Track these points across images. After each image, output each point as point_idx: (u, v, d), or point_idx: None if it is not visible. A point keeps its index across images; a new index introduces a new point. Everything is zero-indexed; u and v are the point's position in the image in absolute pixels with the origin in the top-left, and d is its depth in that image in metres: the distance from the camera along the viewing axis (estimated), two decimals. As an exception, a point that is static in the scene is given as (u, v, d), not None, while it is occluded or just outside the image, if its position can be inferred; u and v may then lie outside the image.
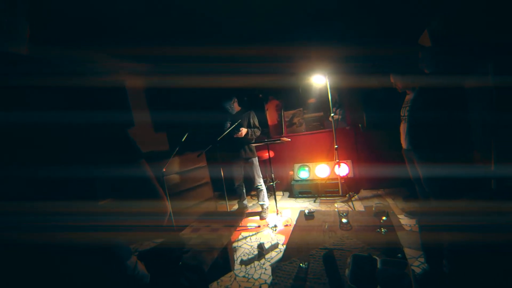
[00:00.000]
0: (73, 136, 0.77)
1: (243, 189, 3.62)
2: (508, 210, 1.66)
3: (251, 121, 3.34)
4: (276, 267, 1.54)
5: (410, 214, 2.97)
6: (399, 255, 1.49)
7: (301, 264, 1.51)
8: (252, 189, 3.74)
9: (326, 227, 1.97)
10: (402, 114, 2.68)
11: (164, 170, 2.92)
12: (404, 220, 2.89)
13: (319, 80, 3.50)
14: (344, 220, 1.94)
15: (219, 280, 2.29)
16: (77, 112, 0.80)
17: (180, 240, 2.12)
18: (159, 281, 1.52)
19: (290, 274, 1.46)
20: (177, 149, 3.03)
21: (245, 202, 3.70)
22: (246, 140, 3.30)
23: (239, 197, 3.66)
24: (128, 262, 1.15)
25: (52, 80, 0.71)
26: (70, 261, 0.84)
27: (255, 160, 3.42)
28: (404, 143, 2.69)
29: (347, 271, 1.36)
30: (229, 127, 3.16)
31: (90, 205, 0.79)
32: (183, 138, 3.06)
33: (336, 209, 2.05)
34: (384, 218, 1.75)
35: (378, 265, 1.38)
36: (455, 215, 1.77)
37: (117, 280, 1.08)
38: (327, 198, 3.87)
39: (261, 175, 3.48)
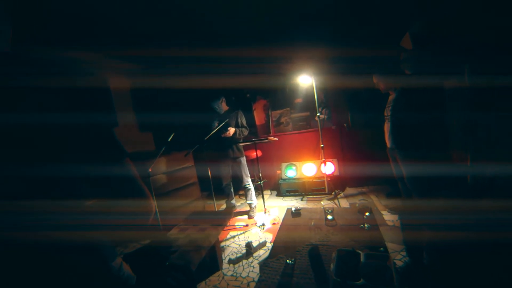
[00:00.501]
0: (58, 135, 0.76)
1: (231, 189, 3.62)
2: (483, 209, 1.76)
3: (239, 120, 3.34)
4: (264, 264, 1.57)
5: (392, 210, 3.07)
6: (381, 249, 1.55)
7: (287, 261, 1.54)
8: (240, 189, 3.75)
9: (312, 224, 2.01)
10: (385, 114, 2.77)
11: (150, 170, 2.88)
12: (387, 216, 2.98)
13: (305, 80, 3.56)
14: (329, 217, 1.99)
15: (207, 280, 2.28)
16: (61, 111, 0.79)
17: (167, 240, 2.10)
18: (146, 281, 1.50)
19: (277, 270, 1.49)
20: (163, 149, 2.99)
21: (233, 201, 3.70)
22: (234, 139, 3.31)
23: (227, 196, 3.65)
24: (113, 263, 1.13)
25: (38, 80, 0.70)
26: (54, 260, 0.82)
27: (243, 160, 3.44)
28: (388, 142, 2.79)
29: (332, 266, 1.40)
30: (217, 127, 3.15)
31: (76, 204, 0.78)
32: (169, 138, 3.03)
33: (322, 207, 2.10)
34: (367, 214, 1.82)
35: (362, 259, 1.43)
36: (435, 214, 1.86)
37: (102, 281, 1.06)
38: (314, 196, 3.94)
39: (249, 174, 3.49)
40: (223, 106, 3.37)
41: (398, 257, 2.20)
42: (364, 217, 1.84)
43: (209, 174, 3.35)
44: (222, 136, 3.20)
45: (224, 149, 3.35)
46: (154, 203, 0.90)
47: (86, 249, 0.91)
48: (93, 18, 2.37)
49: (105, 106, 3.46)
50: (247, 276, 2.26)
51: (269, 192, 4.59)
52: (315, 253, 1.37)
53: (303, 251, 1.61)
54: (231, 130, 3.18)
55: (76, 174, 0.75)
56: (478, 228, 1.64)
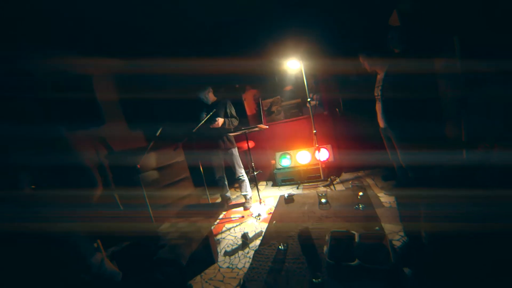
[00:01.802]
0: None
1: (224, 181, 3.54)
2: (483, 199, 1.71)
3: (228, 110, 3.25)
4: (256, 251, 1.50)
5: (389, 191, 3.03)
6: (377, 228, 1.49)
7: (280, 247, 1.48)
8: (234, 181, 3.68)
9: (306, 208, 1.95)
10: (375, 94, 2.71)
11: (138, 166, 2.78)
12: (384, 198, 2.94)
13: (294, 66, 3.46)
14: (323, 200, 1.93)
15: (202, 273, 2.22)
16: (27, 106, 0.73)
17: (156, 234, 2.03)
18: (133, 277, 1.43)
19: (269, 257, 1.43)
20: (151, 144, 2.90)
21: (228, 194, 3.63)
22: (223, 130, 3.22)
23: (221, 189, 3.58)
24: (92, 259, 1.05)
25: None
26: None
27: (235, 151, 3.35)
28: (380, 122, 2.73)
29: (325, 248, 1.33)
30: (205, 118, 3.06)
31: (15, 194, 0.70)
32: (157, 132, 2.94)
33: (315, 191, 2.04)
34: (361, 194, 1.75)
35: (356, 239, 1.37)
36: (432, 205, 1.80)
37: (78, 281, 0.98)
38: (310, 184, 3.88)
39: (241, 166, 3.42)
40: (210, 97, 3.27)
41: (396, 238, 2.16)
42: (358, 197, 1.78)
43: (200, 167, 3.26)
44: (211, 127, 3.11)
45: (214, 140, 3.26)
46: (99, 192, 0.83)
47: (53, 243, 0.83)
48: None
49: (89, 105, 3.35)
50: (243, 267, 2.20)
51: (264, 183, 4.53)
52: (304, 236, 1.30)
53: (295, 236, 1.54)
54: (220, 121, 3.09)
55: (11, 162, 0.68)
56: (478, 219, 1.59)
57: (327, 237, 1.40)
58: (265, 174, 4.62)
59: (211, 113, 3.06)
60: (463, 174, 2.00)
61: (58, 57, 2.84)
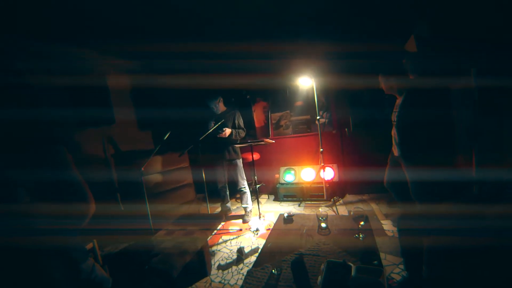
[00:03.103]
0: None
1: (226, 191, 3.52)
2: (487, 214, 1.64)
3: (236, 121, 3.26)
4: (248, 272, 1.46)
5: (394, 220, 2.94)
6: (375, 262, 1.43)
7: (273, 271, 1.44)
8: (236, 192, 3.66)
9: (304, 231, 1.90)
10: (393, 119, 2.66)
11: (142, 169, 2.81)
12: (387, 225, 2.85)
13: (306, 82, 3.46)
14: (323, 225, 1.87)
15: (193, 286, 2.18)
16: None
17: (151, 243, 2.01)
18: (122, 285, 1.41)
19: (261, 281, 1.38)
20: (157, 148, 2.93)
21: (228, 204, 3.60)
22: (230, 140, 3.22)
23: (222, 199, 3.56)
24: (83, 265, 1.04)
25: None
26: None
27: (239, 162, 3.34)
28: (395, 150, 2.66)
29: (319, 278, 1.29)
30: (213, 127, 3.07)
31: (12, 208, 0.71)
32: (165, 136, 2.97)
33: (315, 214, 1.99)
34: (362, 223, 1.69)
35: (352, 272, 1.31)
36: (434, 219, 1.73)
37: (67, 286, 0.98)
38: (312, 202, 3.81)
39: (245, 178, 3.39)
40: (220, 106, 3.29)
41: (396, 271, 2.08)
42: (359, 226, 1.72)
43: (203, 175, 3.26)
44: (218, 136, 3.11)
45: (220, 150, 3.27)
46: (93, 207, 0.82)
47: (40, 253, 0.83)
48: (89, 13, 2.32)
49: (102, 103, 3.42)
50: (235, 283, 2.15)
51: (266, 196, 4.48)
52: (298, 265, 1.26)
53: (290, 261, 1.50)
54: (227, 131, 3.10)
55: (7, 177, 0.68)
56: (479, 235, 1.52)
57: (322, 266, 1.35)
58: (268, 188, 4.58)
59: (219, 123, 3.07)
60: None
61: (74, 48, 2.89)
